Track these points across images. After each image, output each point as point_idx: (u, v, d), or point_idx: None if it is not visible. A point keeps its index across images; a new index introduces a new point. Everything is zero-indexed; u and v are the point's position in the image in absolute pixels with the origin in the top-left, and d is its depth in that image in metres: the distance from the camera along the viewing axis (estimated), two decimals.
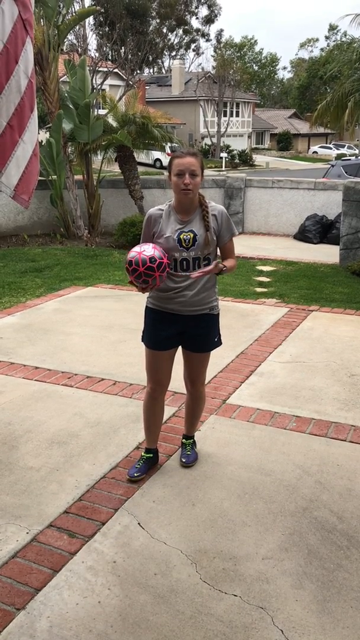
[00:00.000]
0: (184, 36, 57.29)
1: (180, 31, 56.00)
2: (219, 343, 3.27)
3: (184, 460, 3.39)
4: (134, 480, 3.20)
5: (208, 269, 2.91)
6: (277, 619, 2.34)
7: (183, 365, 3.30)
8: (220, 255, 3.15)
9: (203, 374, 3.32)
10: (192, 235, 2.96)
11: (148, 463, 3.31)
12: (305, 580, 2.54)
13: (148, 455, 3.34)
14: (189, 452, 3.43)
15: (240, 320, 6.02)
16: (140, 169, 12.67)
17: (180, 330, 3.14)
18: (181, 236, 2.96)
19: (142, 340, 3.24)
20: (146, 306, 3.21)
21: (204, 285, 3.06)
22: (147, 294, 3.16)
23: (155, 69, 58.85)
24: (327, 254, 9.59)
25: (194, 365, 3.26)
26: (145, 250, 2.89)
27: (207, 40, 70.41)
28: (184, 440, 3.51)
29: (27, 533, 2.80)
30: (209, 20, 58.28)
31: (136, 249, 2.92)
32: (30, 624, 2.31)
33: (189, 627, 2.29)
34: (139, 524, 2.88)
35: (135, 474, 3.22)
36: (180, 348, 3.25)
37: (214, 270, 2.94)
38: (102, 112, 12.55)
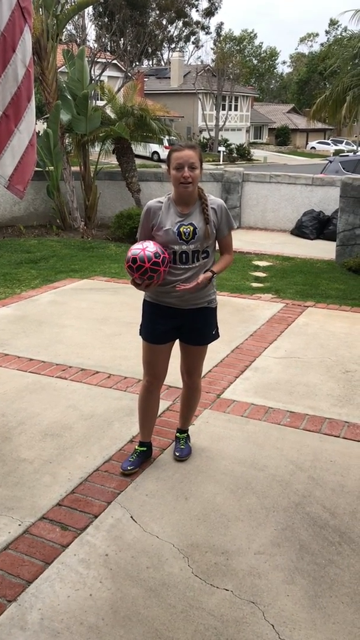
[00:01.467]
0: (183, 28, 57.03)
1: (180, 23, 55.75)
2: (216, 336, 3.27)
3: (177, 454, 3.39)
4: (127, 474, 3.19)
5: (192, 285, 2.92)
6: (268, 613, 2.34)
7: (180, 357, 3.30)
8: (218, 249, 3.15)
9: (200, 366, 3.33)
10: (192, 228, 2.95)
11: (142, 456, 3.31)
12: (296, 576, 2.54)
13: (142, 448, 3.34)
14: (182, 446, 3.43)
15: (236, 315, 6.01)
16: (138, 161, 12.63)
17: (178, 324, 3.14)
18: (181, 229, 2.94)
19: (140, 334, 3.22)
20: (144, 300, 3.20)
21: (199, 273, 3.04)
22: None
23: (154, 61, 58.61)
24: (324, 250, 9.59)
25: (191, 358, 3.26)
26: (148, 246, 2.89)
27: (207, 33, 70.05)
28: (177, 434, 3.50)
29: (20, 525, 2.80)
30: (209, 12, 57.99)
31: (137, 246, 2.91)
32: (21, 615, 2.30)
33: (180, 620, 2.29)
34: (131, 517, 2.88)
35: (129, 467, 3.21)
36: (177, 341, 3.25)
37: (201, 284, 2.95)
38: (100, 103, 12.47)
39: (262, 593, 2.44)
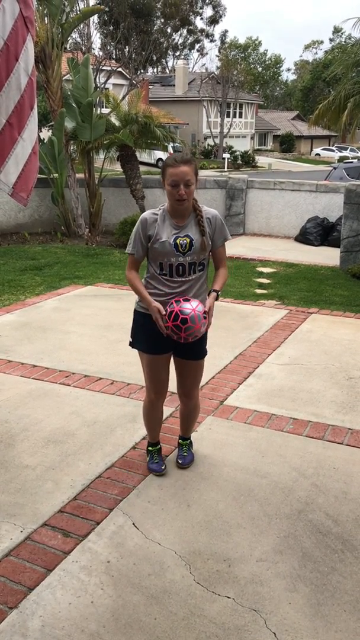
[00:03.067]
0: (188, 36, 57.37)
1: (185, 31, 56.07)
2: (206, 352, 3.23)
3: (180, 461, 3.38)
4: (163, 474, 3.27)
5: (211, 316, 2.95)
6: (270, 621, 2.33)
7: (177, 378, 3.25)
8: (213, 260, 3.11)
9: (198, 384, 3.29)
10: (188, 240, 2.92)
11: (160, 453, 3.40)
12: (299, 583, 2.53)
13: (157, 447, 3.39)
14: (185, 454, 3.42)
15: (240, 322, 6.01)
16: (143, 168, 12.67)
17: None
18: (177, 241, 2.92)
19: (133, 346, 3.17)
20: (135, 310, 3.14)
21: (197, 291, 3.03)
22: (136, 299, 3.12)
23: (159, 68, 58.88)
24: (328, 256, 9.58)
25: (189, 374, 3.21)
26: (198, 306, 2.88)
27: (212, 40, 70.60)
28: (180, 441, 3.49)
29: (22, 532, 2.80)
30: (213, 20, 58.31)
31: (188, 306, 2.87)
32: (22, 622, 2.30)
33: (181, 628, 2.29)
34: (133, 524, 2.88)
35: (162, 468, 3.29)
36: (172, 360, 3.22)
37: (212, 310, 2.97)
38: (105, 111, 12.53)
39: (264, 601, 2.43)
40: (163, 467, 3.29)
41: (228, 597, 2.44)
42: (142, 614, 2.35)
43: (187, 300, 2.91)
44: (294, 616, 2.36)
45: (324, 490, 3.18)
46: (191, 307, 2.86)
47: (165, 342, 3.06)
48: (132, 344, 3.19)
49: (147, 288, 3.05)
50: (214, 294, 3.02)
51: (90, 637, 2.24)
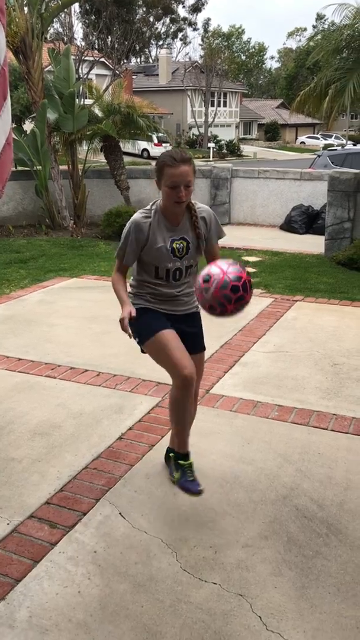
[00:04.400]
0: (170, 25, 57.00)
1: (167, 20, 55.65)
2: (205, 346, 3.08)
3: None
4: (201, 491, 2.82)
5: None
6: (256, 605, 2.36)
7: None
8: (206, 257, 2.91)
9: (200, 379, 3.06)
10: (185, 243, 2.76)
11: (193, 467, 2.91)
12: (284, 568, 2.56)
13: (189, 461, 2.90)
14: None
15: None
16: (128, 159, 12.61)
17: (174, 329, 2.88)
18: (174, 245, 2.74)
19: (142, 341, 2.85)
20: (136, 308, 2.83)
21: (193, 287, 2.88)
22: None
23: (142, 58, 58.46)
24: (313, 244, 9.61)
25: (197, 368, 2.92)
26: (231, 266, 2.49)
27: (195, 29, 70.16)
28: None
29: (8, 524, 2.80)
30: (195, 9, 57.95)
31: (217, 270, 2.47)
32: (9, 614, 2.31)
33: (168, 615, 2.31)
34: (120, 513, 2.89)
35: (199, 487, 2.81)
36: None
37: None
38: (88, 102, 12.43)
39: (249, 586, 2.46)
40: (201, 488, 2.81)
41: (214, 583, 2.46)
42: (129, 602, 2.37)
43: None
44: (280, 600, 2.39)
45: (309, 476, 3.21)
46: (240, 271, 2.46)
47: (170, 325, 2.85)
48: (140, 342, 2.87)
49: (137, 295, 2.89)
50: None
51: (77, 627, 2.25)
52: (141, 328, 2.83)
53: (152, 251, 2.75)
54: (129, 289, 2.94)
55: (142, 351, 2.96)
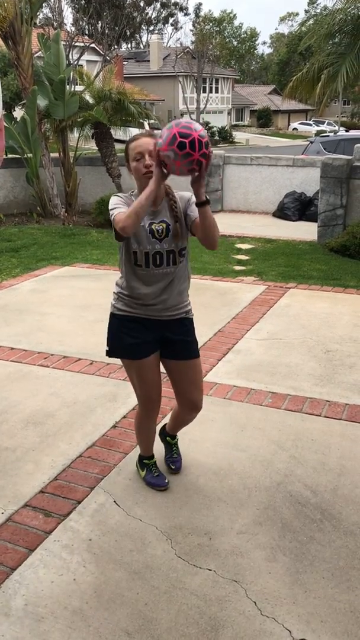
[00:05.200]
0: (161, 10, 56.39)
1: (158, 5, 55.05)
2: (198, 353, 2.90)
3: (173, 467, 3.12)
4: (166, 488, 2.98)
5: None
6: (251, 591, 2.37)
7: (173, 388, 2.92)
8: (197, 235, 2.73)
9: (201, 389, 2.92)
10: (164, 225, 2.66)
11: (156, 465, 3.09)
12: (278, 553, 2.57)
13: (153, 460, 3.09)
14: (176, 456, 3.15)
15: (218, 299, 6.01)
16: (119, 146, 12.49)
17: (157, 338, 2.77)
18: (153, 226, 2.64)
19: (111, 355, 2.82)
20: (111, 313, 2.80)
21: (180, 284, 2.76)
22: (111, 301, 2.81)
23: (133, 44, 57.88)
24: (306, 231, 9.60)
25: (192, 376, 2.84)
26: (195, 125, 2.30)
27: (186, 14, 69.47)
28: (169, 439, 3.16)
29: (2, 513, 2.80)
30: None
31: (184, 127, 2.28)
32: (5, 602, 2.31)
33: (163, 601, 2.32)
34: (114, 501, 2.89)
35: (166, 481, 3.00)
36: (167, 373, 2.91)
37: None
38: (79, 88, 12.31)
39: (244, 572, 2.47)
40: (166, 481, 3.01)
41: (209, 570, 2.48)
42: (124, 589, 2.38)
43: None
44: (274, 585, 2.40)
45: (303, 462, 3.22)
46: (193, 128, 2.29)
47: (147, 344, 2.75)
48: (109, 353, 2.82)
49: (120, 297, 2.77)
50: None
51: (73, 614, 2.26)
52: (114, 342, 2.79)
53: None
54: (115, 287, 2.82)
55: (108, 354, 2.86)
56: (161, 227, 2.67)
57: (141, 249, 2.65)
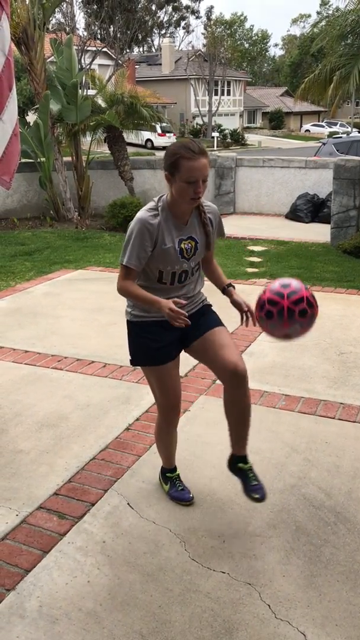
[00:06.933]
0: (173, 13, 56.48)
1: (170, 8, 55.18)
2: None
3: (257, 496, 2.67)
4: (192, 503, 2.90)
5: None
6: (265, 594, 2.36)
7: (211, 358, 2.70)
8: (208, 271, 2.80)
9: (236, 350, 2.70)
10: (193, 243, 2.55)
11: (180, 479, 3.01)
12: (292, 556, 2.56)
13: (176, 473, 3.01)
14: (255, 483, 2.70)
15: None
16: (131, 149, 12.56)
17: (177, 336, 2.68)
18: (182, 245, 2.51)
19: (135, 364, 2.76)
20: (129, 322, 2.69)
21: (196, 289, 2.73)
22: (126, 308, 2.71)
23: (144, 47, 58.12)
24: (319, 233, 9.56)
25: (221, 340, 2.66)
26: (292, 284, 2.54)
27: (197, 17, 69.66)
28: (241, 465, 2.79)
29: (17, 515, 2.82)
30: None
31: (278, 287, 2.54)
32: (20, 604, 2.32)
33: (177, 604, 2.32)
34: (128, 504, 2.90)
35: (190, 495, 2.92)
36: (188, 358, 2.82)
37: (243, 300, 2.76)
38: (91, 92, 12.38)
39: (258, 574, 2.46)
40: (191, 495, 2.92)
41: (223, 572, 2.47)
42: (138, 591, 2.38)
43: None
44: (288, 588, 2.39)
45: (316, 465, 3.21)
46: (298, 287, 2.51)
47: (171, 345, 2.67)
48: (133, 362, 2.76)
49: (136, 303, 2.64)
50: (232, 288, 2.77)
51: (87, 615, 2.27)
52: (137, 352, 2.72)
53: (160, 252, 2.49)
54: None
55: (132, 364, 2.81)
56: (190, 245, 2.55)
57: (168, 269, 2.53)
